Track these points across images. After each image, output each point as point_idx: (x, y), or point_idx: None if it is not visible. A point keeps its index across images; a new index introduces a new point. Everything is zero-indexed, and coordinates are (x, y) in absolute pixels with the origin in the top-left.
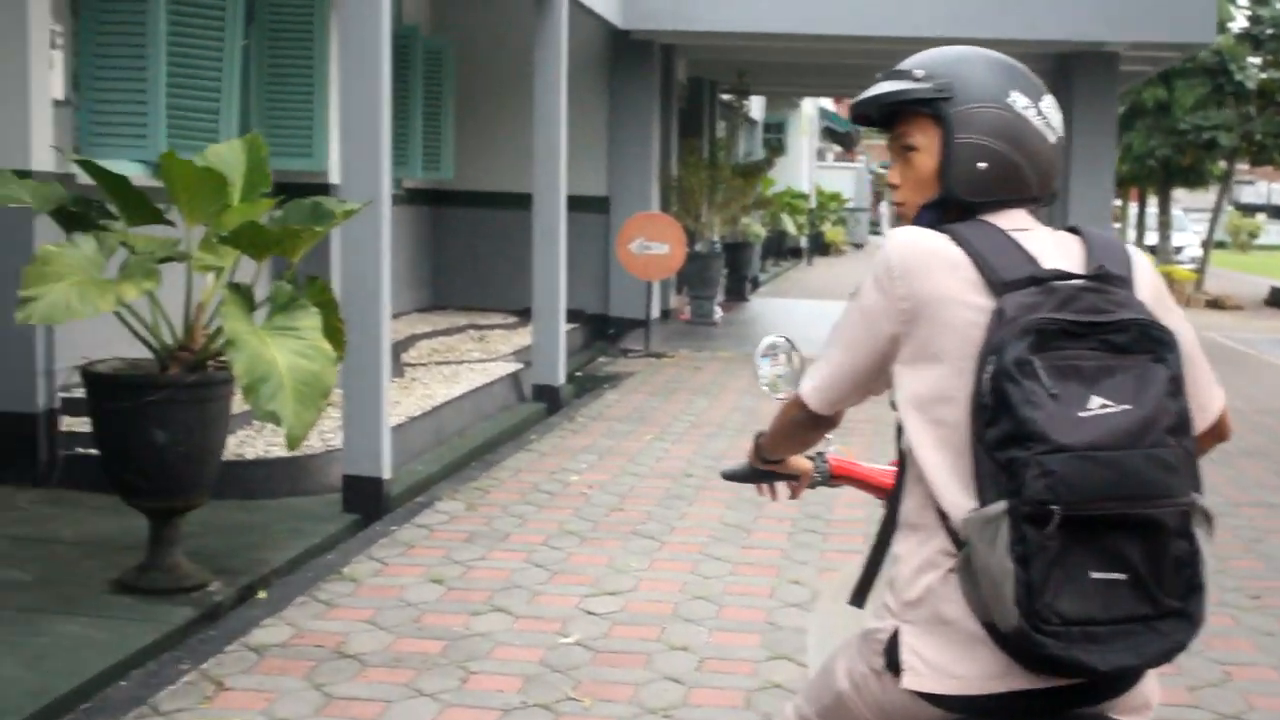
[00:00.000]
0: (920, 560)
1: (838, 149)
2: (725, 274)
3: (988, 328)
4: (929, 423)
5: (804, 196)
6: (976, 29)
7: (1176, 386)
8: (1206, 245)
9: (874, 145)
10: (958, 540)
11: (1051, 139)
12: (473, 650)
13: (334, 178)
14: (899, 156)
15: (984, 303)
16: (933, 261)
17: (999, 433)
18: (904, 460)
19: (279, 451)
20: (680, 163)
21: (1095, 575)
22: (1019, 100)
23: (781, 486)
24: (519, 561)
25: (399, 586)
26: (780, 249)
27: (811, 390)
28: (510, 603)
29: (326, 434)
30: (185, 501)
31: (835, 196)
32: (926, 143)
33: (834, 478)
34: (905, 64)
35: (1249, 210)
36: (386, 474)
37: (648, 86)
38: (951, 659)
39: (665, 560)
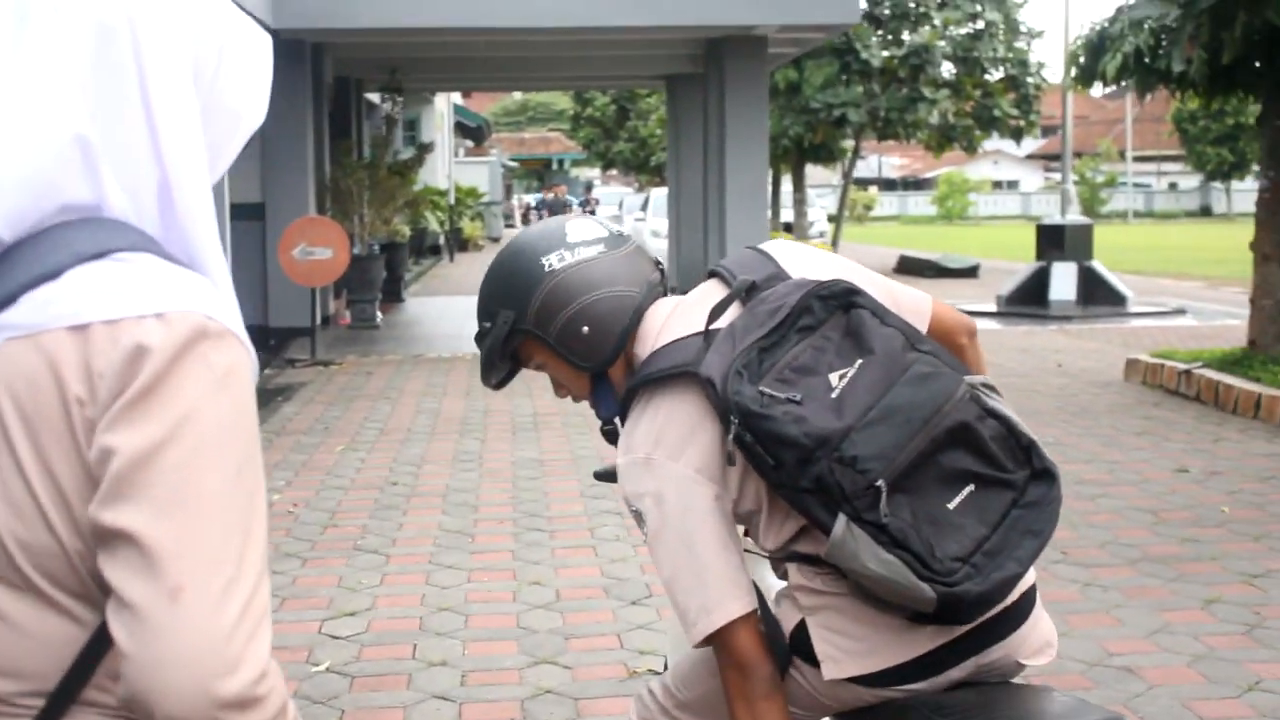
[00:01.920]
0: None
1: (469, 144)
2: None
3: (708, 407)
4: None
5: (443, 193)
6: (621, 18)
7: (881, 318)
8: (837, 219)
9: (504, 138)
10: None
11: (599, 250)
12: None
13: None
14: (546, 373)
15: (709, 399)
16: (658, 417)
17: (789, 465)
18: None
19: None
20: (335, 164)
21: (952, 505)
22: (553, 260)
23: None
24: None
25: None
26: (421, 247)
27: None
28: None
29: None
30: None
31: (472, 191)
32: (545, 356)
33: None
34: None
35: (862, 184)
36: None
37: (299, 87)
38: (864, 635)
39: (396, 574)
